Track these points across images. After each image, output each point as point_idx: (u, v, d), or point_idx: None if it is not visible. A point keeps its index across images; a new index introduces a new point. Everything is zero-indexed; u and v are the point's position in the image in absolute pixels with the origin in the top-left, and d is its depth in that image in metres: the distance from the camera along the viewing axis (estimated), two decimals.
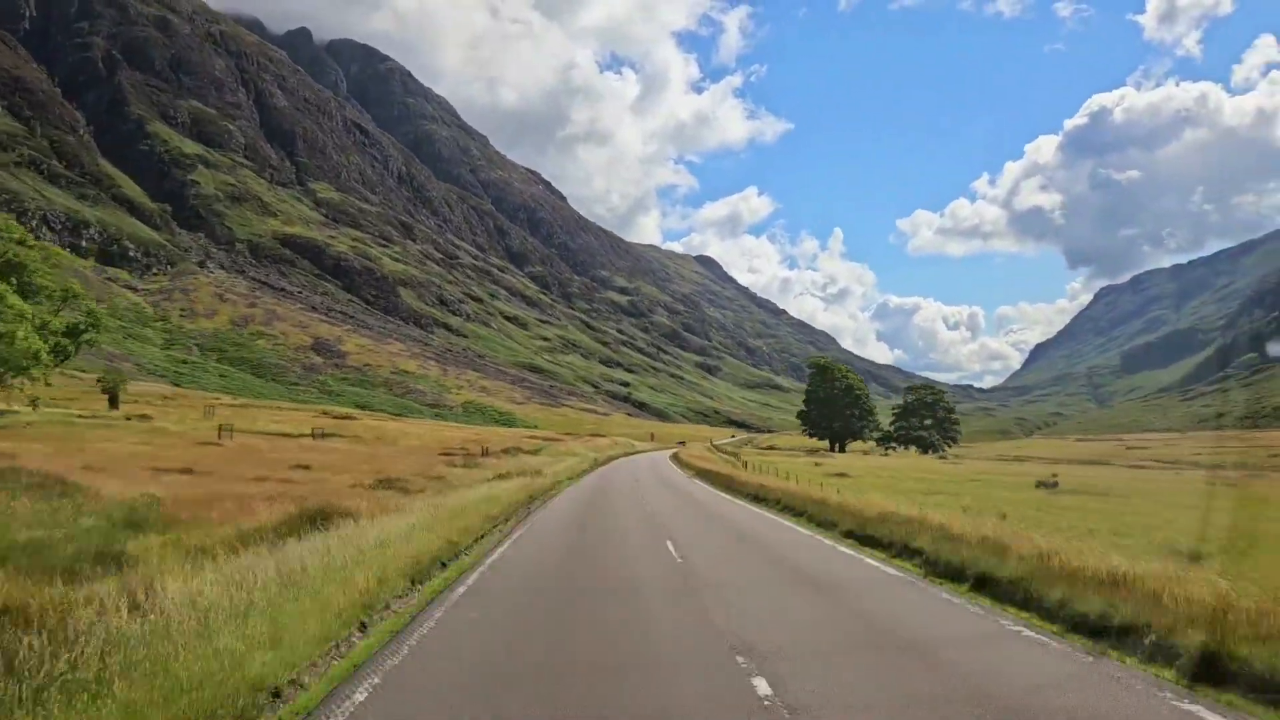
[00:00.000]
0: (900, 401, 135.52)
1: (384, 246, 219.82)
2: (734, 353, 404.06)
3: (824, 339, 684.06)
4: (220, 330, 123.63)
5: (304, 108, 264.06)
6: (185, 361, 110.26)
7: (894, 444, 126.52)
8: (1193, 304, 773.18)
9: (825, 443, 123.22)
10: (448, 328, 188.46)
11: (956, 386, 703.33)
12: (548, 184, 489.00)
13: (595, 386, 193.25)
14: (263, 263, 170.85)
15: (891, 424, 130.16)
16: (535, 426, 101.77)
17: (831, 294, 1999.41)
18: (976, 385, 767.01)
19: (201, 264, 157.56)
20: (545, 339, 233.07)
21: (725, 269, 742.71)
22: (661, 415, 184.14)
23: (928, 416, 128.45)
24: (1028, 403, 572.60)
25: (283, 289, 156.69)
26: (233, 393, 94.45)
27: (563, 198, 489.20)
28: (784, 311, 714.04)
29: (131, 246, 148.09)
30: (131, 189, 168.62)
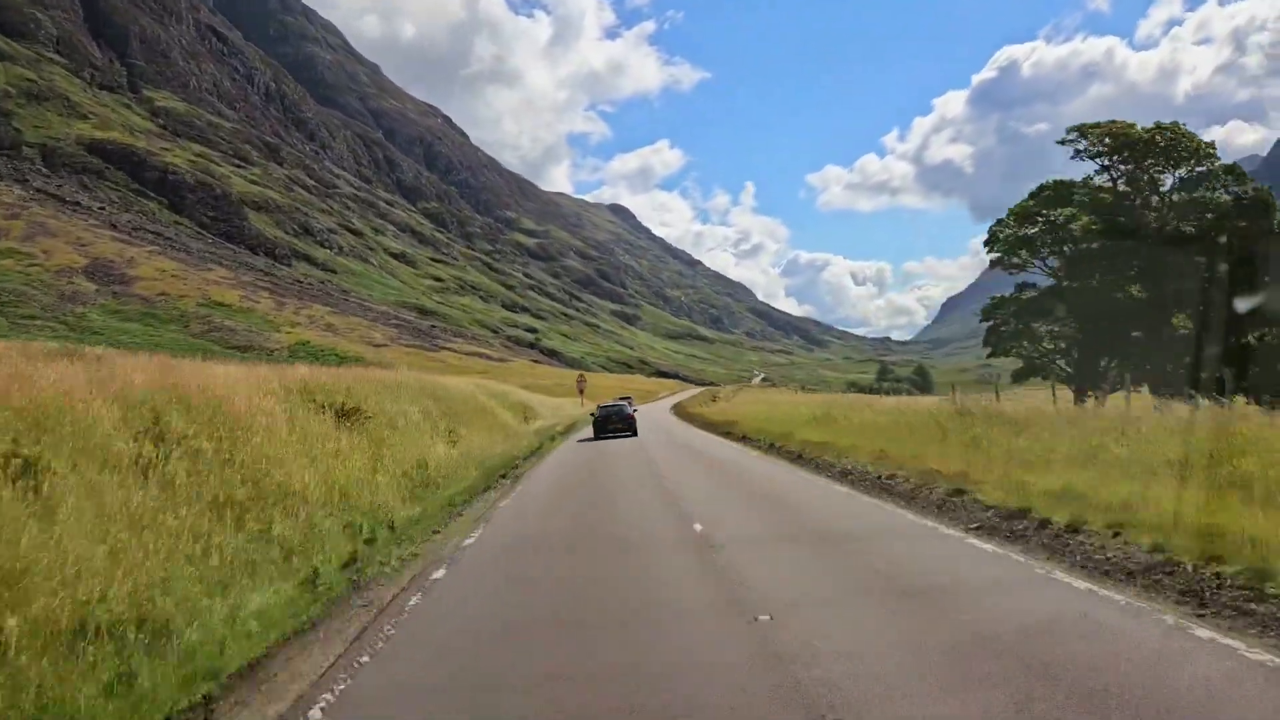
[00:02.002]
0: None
1: (239, 167, 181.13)
2: (652, 302, 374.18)
3: (741, 290, 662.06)
4: None
5: (144, 4, 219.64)
6: None
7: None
8: None
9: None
10: (310, 260, 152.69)
11: (875, 339, 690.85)
12: (448, 119, 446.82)
13: (495, 331, 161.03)
14: (59, 171, 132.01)
15: None
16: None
17: (744, 250, 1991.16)
18: (894, 339, 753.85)
19: None
20: (438, 279, 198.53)
21: (639, 219, 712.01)
22: (578, 366, 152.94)
23: None
24: (949, 354, 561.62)
25: (76, 203, 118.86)
26: None
27: (465, 135, 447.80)
28: (699, 262, 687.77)
29: None
30: None
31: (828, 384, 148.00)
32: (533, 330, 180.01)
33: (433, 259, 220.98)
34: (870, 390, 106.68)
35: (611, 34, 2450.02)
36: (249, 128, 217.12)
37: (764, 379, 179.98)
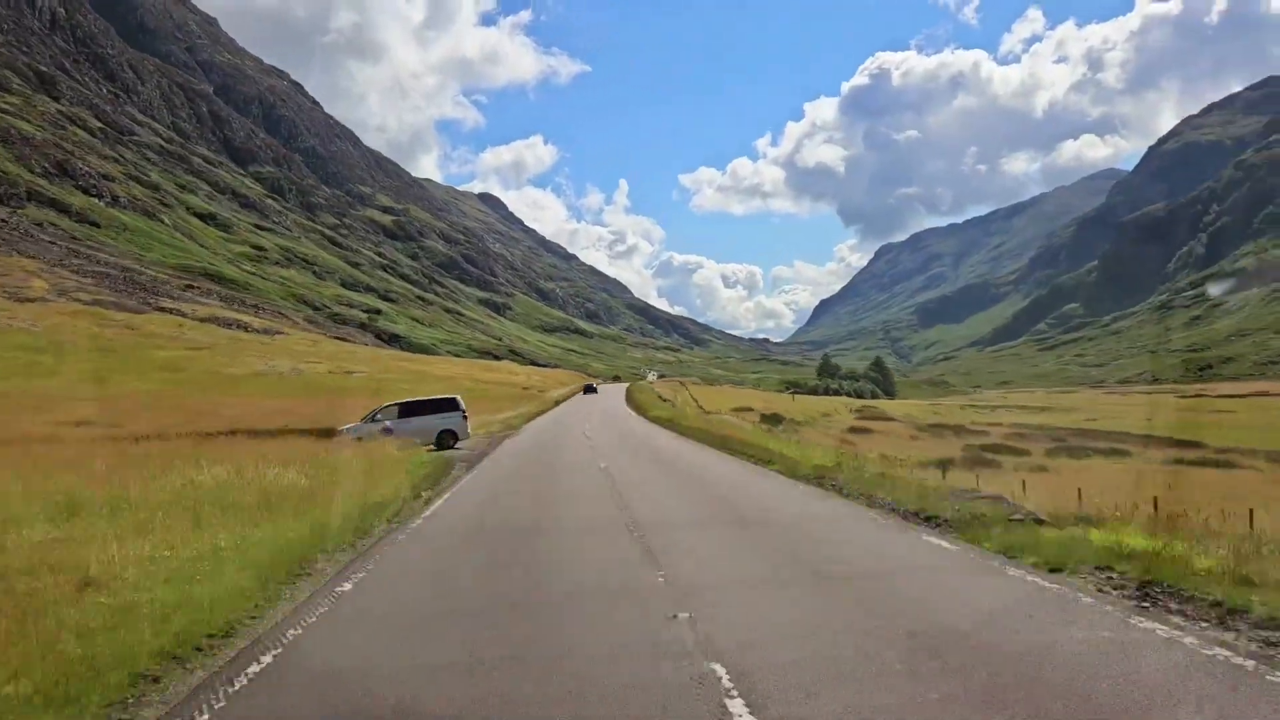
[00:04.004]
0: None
1: None
2: (526, 293, 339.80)
3: (617, 286, 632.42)
4: None
5: None
6: None
7: None
8: (970, 262, 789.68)
9: None
10: (59, 206, 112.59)
11: (753, 340, 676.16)
12: (298, 85, 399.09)
13: (316, 308, 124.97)
14: None
15: None
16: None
17: (620, 251, 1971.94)
18: (773, 340, 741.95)
19: None
20: (258, 248, 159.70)
21: (511, 210, 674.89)
22: (425, 351, 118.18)
23: None
24: (830, 355, 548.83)
25: None
26: None
27: (316, 103, 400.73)
28: (575, 257, 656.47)
29: None
30: None
31: (757, 384, 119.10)
32: (374, 311, 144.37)
33: (256, 225, 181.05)
34: (831, 391, 77.59)
35: (488, 20, 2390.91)
36: (13, 52, 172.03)
37: (660, 374, 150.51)
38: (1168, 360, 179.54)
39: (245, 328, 64.50)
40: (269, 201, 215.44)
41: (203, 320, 62.70)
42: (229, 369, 40.25)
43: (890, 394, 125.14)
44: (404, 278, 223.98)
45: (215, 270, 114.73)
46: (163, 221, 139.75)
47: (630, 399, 70.96)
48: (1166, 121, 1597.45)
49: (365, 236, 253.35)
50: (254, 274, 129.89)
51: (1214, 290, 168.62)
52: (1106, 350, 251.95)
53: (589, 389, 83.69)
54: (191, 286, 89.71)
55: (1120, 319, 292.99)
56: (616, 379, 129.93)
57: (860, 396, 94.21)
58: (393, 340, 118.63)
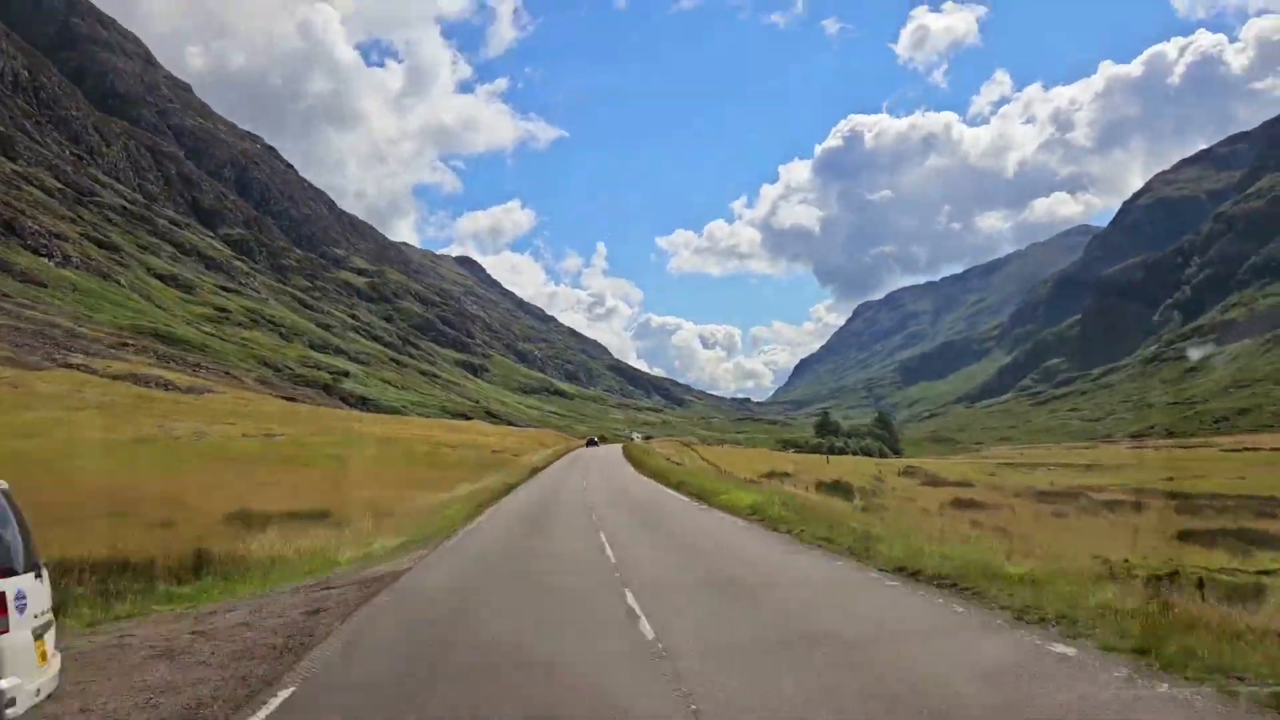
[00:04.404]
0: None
1: None
2: (503, 354, 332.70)
3: (596, 348, 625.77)
4: None
5: None
6: None
7: None
8: (949, 318, 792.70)
9: None
10: (4, 266, 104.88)
11: (734, 400, 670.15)
12: (271, 148, 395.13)
13: (278, 370, 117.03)
14: None
15: None
16: None
17: (599, 313, 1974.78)
18: (754, 399, 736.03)
19: None
20: (222, 310, 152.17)
21: (489, 273, 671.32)
22: (395, 413, 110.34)
23: None
24: (811, 415, 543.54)
25: None
26: None
27: (290, 166, 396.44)
28: (553, 318, 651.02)
29: None
30: None
31: (756, 442, 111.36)
32: (342, 373, 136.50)
33: (221, 287, 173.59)
34: (836, 450, 70.53)
35: (465, 87, 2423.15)
36: None
37: (647, 436, 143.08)
38: (1175, 413, 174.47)
39: (167, 386, 56.58)
40: (237, 263, 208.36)
41: (115, 378, 54.61)
42: (106, 433, 32.92)
43: (897, 451, 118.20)
44: (377, 339, 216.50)
45: (167, 331, 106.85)
46: (118, 282, 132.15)
47: (639, 463, 58.99)
48: (1134, 178, 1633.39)
49: (338, 298, 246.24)
50: (212, 335, 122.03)
51: (1193, 354, 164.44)
52: (1099, 405, 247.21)
53: (591, 443, 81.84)
54: (127, 344, 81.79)
55: (1109, 373, 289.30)
56: (601, 439, 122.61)
57: (869, 454, 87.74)
58: (362, 403, 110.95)
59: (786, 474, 43.61)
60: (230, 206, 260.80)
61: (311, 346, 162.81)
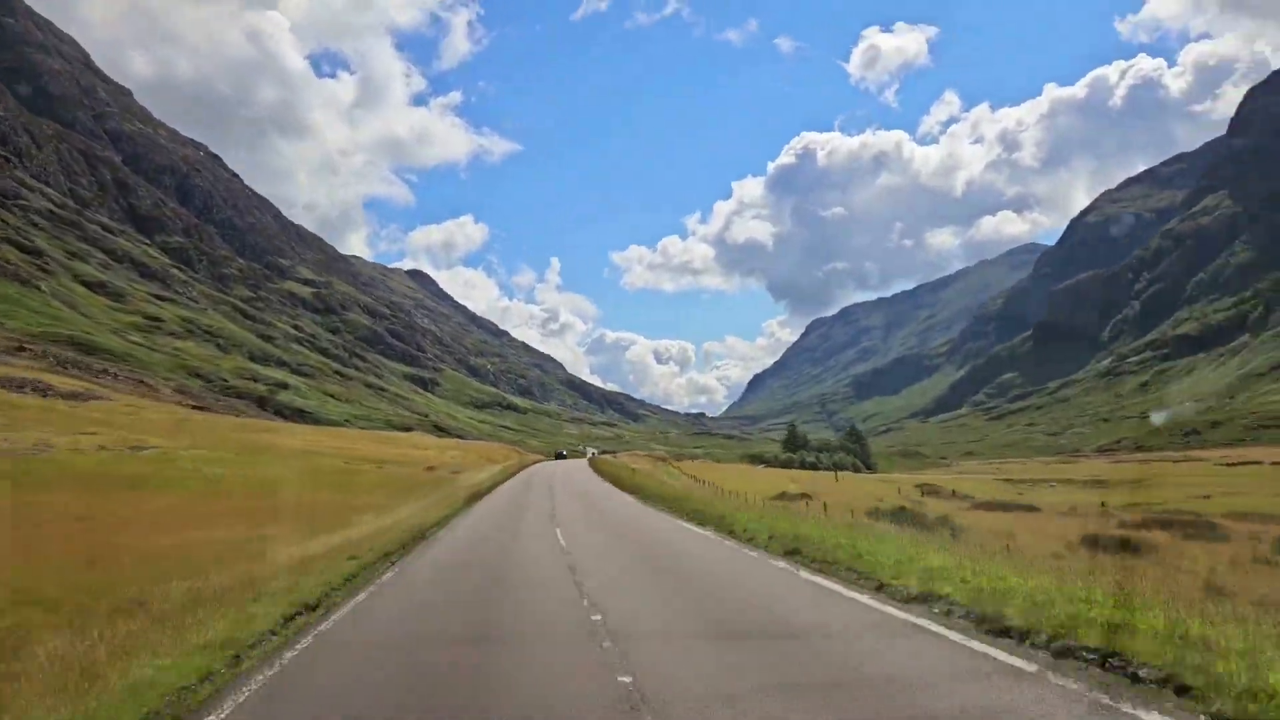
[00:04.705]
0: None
1: None
2: (455, 369, 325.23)
3: (550, 363, 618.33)
4: None
5: None
6: None
7: None
8: (900, 334, 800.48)
9: None
10: None
11: (688, 415, 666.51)
12: (215, 156, 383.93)
13: (209, 380, 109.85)
14: None
15: None
16: None
17: (553, 329, 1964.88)
18: (708, 414, 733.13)
19: None
20: (154, 319, 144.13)
21: (441, 286, 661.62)
22: (334, 426, 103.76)
23: None
24: (765, 430, 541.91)
25: None
26: None
27: (236, 175, 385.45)
28: (506, 333, 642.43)
29: None
30: None
31: (718, 457, 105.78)
32: (281, 385, 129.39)
33: (155, 295, 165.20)
34: (807, 465, 66.12)
35: (419, 100, 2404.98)
36: None
37: (599, 452, 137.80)
38: (1142, 427, 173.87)
39: (46, 392, 49.85)
40: (174, 272, 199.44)
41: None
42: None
43: (870, 467, 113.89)
44: (322, 352, 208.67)
45: (86, 339, 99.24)
46: (38, 288, 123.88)
47: (620, 481, 46.00)
48: (1078, 197, 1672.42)
49: (282, 309, 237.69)
50: (139, 344, 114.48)
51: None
52: (1057, 419, 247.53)
53: (560, 455, 76.07)
54: (24, 350, 74.56)
55: (1064, 387, 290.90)
56: (573, 452, 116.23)
57: (841, 469, 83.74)
58: (300, 415, 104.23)
59: (804, 495, 36.86)
60: (169, 214, 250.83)
61: (251, 358, 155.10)
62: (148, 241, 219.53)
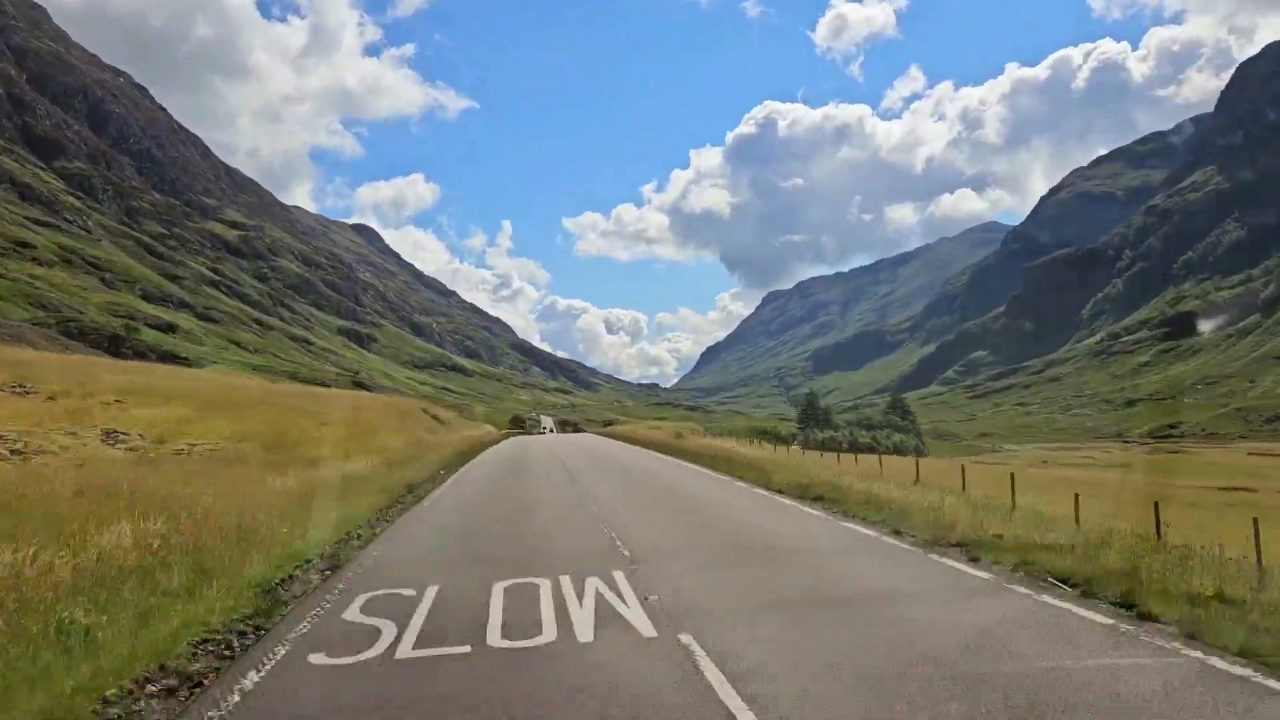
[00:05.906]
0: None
1: None
2: (397, 326, 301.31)
3: (500, 326, 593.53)
4: None
5: None
6: None
7: None
8: (858, 309, 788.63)
9: None
10: None
11: (642, 385, 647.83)
12: (142, 87, 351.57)
13: (57, 312, 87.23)
14: None
15: None
16: None
17: (504, 295, 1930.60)
18: (660, 385, 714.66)
19: None
20: (21, 243, 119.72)
21: (388, 243, 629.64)
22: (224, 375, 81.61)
23: None
24: (722, 402, 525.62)
25: None
26: None
27: (162, 108, 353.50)
28: (454, 293, 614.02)
29: None
30: None
31: (734, 431, 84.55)
32: (168, 326, 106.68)
33: (34, 220, 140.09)
34: (869, 448, 47.04)
35: (372, 50, 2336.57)
36: None
37: (550, 429, 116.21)
38: (1156, 410, 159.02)
39: None
40: (68, 198, 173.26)
41: None
42: None
43: (920, 453, 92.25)
44: (242, 298, 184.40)
45: None
46: None
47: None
48: (1037, 179, 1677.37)
49: (200, 250, 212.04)
50: None
51: (1204, 325, 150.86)
52: (1052, 398, 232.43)
53: (523, 426, 50.53)
54: None
55: (1052, 365, 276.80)
56: (519, 424, 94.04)
57: (901, 453, 64.67)
58: (171, 359, 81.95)
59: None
60: (72, 136, 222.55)
61: (145, 297, 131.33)
62: (42, 165, 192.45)
